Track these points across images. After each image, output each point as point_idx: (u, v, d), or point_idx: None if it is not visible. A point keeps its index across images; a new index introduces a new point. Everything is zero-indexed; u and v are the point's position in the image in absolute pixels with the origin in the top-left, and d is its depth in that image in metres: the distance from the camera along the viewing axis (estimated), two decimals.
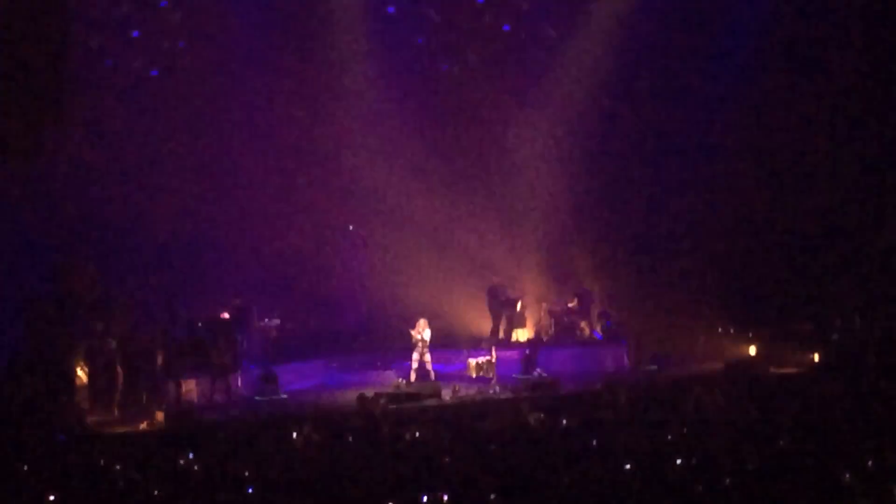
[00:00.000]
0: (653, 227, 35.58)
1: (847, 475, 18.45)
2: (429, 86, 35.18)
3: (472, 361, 30.56)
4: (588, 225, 35.53)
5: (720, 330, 34.32)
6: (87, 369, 28.19)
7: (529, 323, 34.42)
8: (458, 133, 35.58)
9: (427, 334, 30.43)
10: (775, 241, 35.12)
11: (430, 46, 34.68)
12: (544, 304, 34.39)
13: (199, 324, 30.06)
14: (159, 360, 28.38)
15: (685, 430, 22.82)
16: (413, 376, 30.22)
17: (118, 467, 21.76)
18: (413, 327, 30.47)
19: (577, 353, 33.00)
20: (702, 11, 34.66)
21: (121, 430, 26.20)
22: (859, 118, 34.27)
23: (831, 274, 34.40)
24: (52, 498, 18.95)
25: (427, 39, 34.53)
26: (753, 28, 34.56)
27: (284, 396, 29.38)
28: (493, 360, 30.24)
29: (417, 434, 23.67)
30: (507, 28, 34.60)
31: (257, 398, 29.23)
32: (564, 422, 24.49)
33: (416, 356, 30.39)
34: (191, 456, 22.71)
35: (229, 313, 30.67)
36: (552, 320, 33.99)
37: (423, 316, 30.89)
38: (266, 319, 31.85)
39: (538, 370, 31.17)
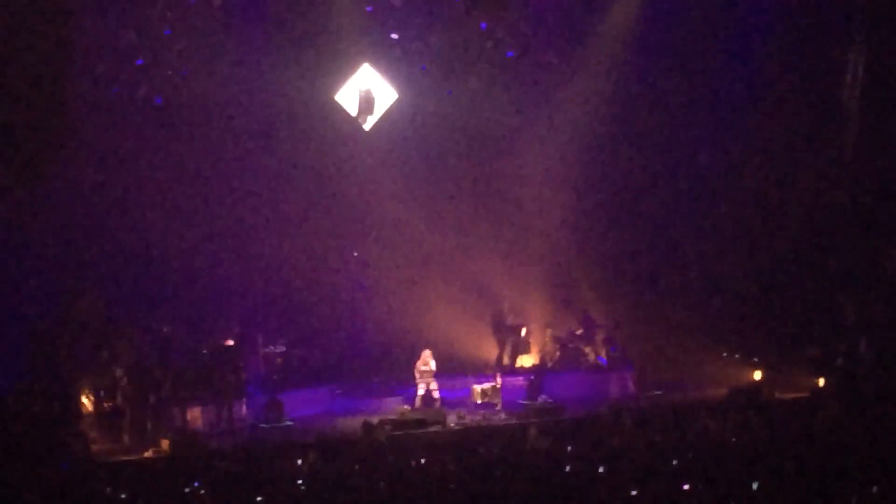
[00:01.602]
0: (658, 253, 35.57)
1: (853, 500, 18.45)
2: (432, 111, 35.16)
3: (478, 388, 30.54)
4: (593, 251, 35.52)
5: (725, 355, 34.29)
6: (92, 397, 28.21)
7: (534, 349, 34.37)
8: (461, 159, 35.57)
9: (432, 364, 30.50)
10: (780, 266, 35.08)
11: (434, 72, 34.69)
12: (549, 331, 34.36)
13: (204, 351, 30.05)
14: (165, 387, 28.33)
15: (691, 455, 22.80)
16: (418, 402, 30.23)
17: (123, 496, 21.79)
18: (418, 358, 30.59)
19: (583, 379, 32.99)
20: (706, 35, 34.67)
21: (126, 458, 26.21)
22: (871, 136, 34.27)
23: (836, 298, 34.37)
24: None
25: (430, 65, 34.55)
26: (759, 51, 34.61)
27: (289, 423, 29.38)
28: (499, 387, 30.26)
29: (423, 461, 23.66)
30: (510, 54, 34.62)
31: (262, 425, 29.23)
32: (570, 448, 24.48)
33: (422, 385, 30.42)
34: (196, 484, 22.72)
35: (233, 340, 30.67)
36: (557, 346, 33.96)
37: (427, 345, 31.00)
38: (271, 346, 31.83)
39: (543, 396, 31.13)
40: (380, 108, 34.01)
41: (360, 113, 33.80)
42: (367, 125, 34.01)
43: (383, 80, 33.95)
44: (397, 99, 34.15)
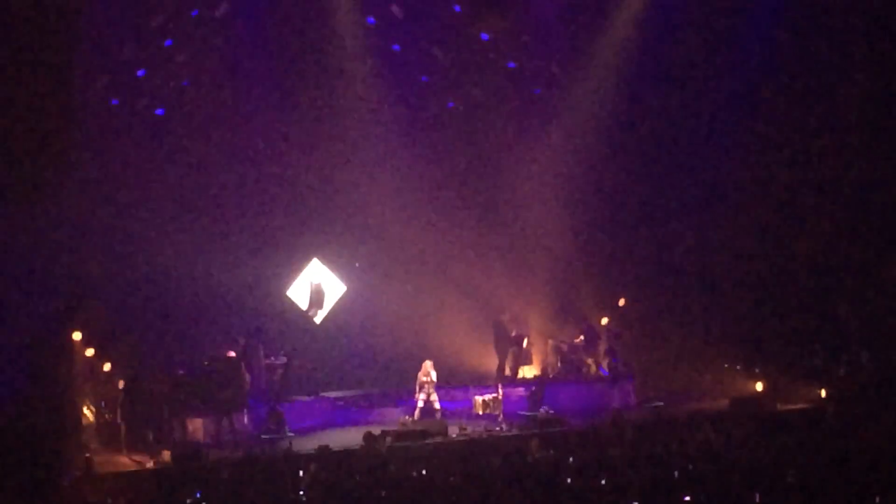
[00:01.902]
0: (659, 263, 35.55)
1: None
2: (433, 123, 35.19)
3: (479, 399, 30.53)
4: (594, 261, 35.51)
5: (727, 366, 34.29)
6: (93, 409, 28.21)
7: (536, 360, 34.38)
8: (463, 170, 35.59)
9: (433, 375, 30.51)
10: (782, 276, 35.07)
11: (435, 84, 34.75)
12: (550, 341, 34.36)
13: (206, 362, 30.05)
14: (166, 399, 28.33)
15: (692, 466, 22.78)
16: (418, 414, 30.22)
17: None
18: (419, 369, 30.61)
19: (584, 390, 32.97)
20: (707, 44, 34.68)
21: (128, 469, 26.21)
22: (873, 143, 34.28)
23: (838, 308, 34.39)
24: None
25: (432, 77, 34.61)
26: (760, 58, 34.64)
27: (291, 435, 29.35)
28: (500, 398, 30.24)
29: (424, 472, 23.65)
30: (511, 65, 34.69)
31: (263, 436, 29.21)
32: (571, 459, 24.46)
33: (422, 396, 30.43)
34: (198, 495, 22.73)
35: (235, 352, 30.67)
36: (558, 357, 33.96)
37: (429, 356, 31.01)
38: (272, 357, 31.81)
39: (544, 407, 31.13)
40: (329, 302, 34.52)
41: (310, 306, 34.26)
42: (318, 318, 34.56)
43: (332, 274, 34.42)
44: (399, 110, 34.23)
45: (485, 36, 33.91)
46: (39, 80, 27.52)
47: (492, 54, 34.43)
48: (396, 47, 33.83)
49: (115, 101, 31.11)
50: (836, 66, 34.16)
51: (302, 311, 34.14)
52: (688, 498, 19.75)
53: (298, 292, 34.32)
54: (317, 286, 34.28)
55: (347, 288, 34.63)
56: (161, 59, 31.45)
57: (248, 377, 30.43)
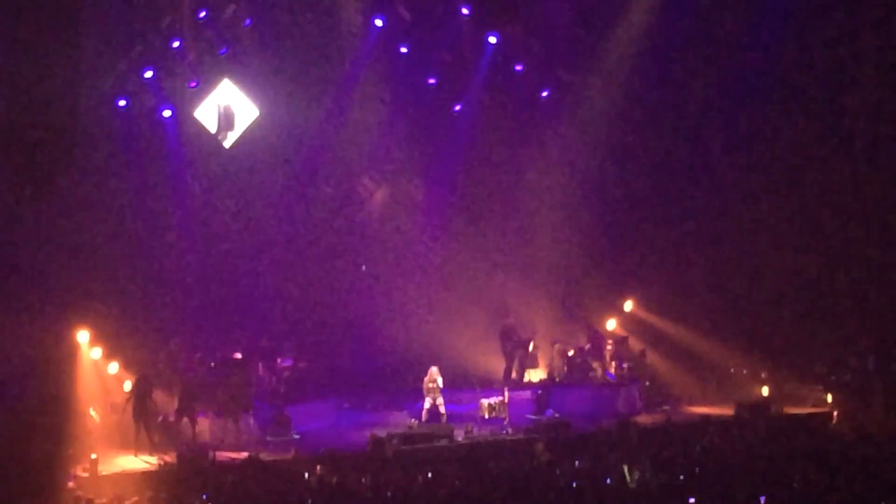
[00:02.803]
0: (666, 267, 35.52)
1: None
2: (440, 125, 35.19)
3: (485, 402, 30.49)
4: (601, 265, 35.48)
5: (733, 370, 34.26)
6: (100, 411, 28.23)
7: (542, 363, 34.31)
8: (469, 173, 35.56)
9: (440, 381, 30.54)
10: (788, 281, 35.04)
11: (443, 87, 34.75)
12: (557, 345, 34.27)
13: (212, 364, 30.07)
14: (173, 400, 28.35)
15: (697, 469, 22.80)
16: (424, 417, 30.22)
17: None
18: (426, 374, 30.65)
19: (590, 394, 32.89)
20: (716, 48, 34.70)
21: (134, 470, 26.23)
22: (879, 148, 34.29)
23: (845, 314, 34.38)
24: None
25: (439, 80, 34.62)
26: (767, 59, 34.66)
27: (297, 437, 29.36)
28: (506, 401, 30.20)
29: (430, 475, 23.66)
30: (520, 69, 34.72)
31: (269, 438, 29.21)
32: (577, 462, 24.47)
33: (429, 399, 30.43)
34: (204, 496, 22.76)
35: (241, 354, 30.69)
36: (564, 361, 33.90)
37: (435, 360, 31.04)
38: (278, 359, 31.81)
39: (550, 411, 31.13)
40: (240, 125, 33.30)
41: (219, 130, 33.35)
42: (227, 142, 33.36)
43: (244, 95, 33.36)
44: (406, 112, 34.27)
45: (493, 38, 33.89)
46: (45, 80, 27.61)
47: (500, 57, 34.43)
48: (404, 49, 33.83)
49: (119, 101, 31.06)
50: (829, 67, 34.22)
51: (311, 313, 33.95)
52: (693, 500, 19.76)
53: (206, 114, 32.99)
54: (226, 107, 33.27)
55: (261, 112, 33.30)
56: (168, 59, 31.43)
57: (254, 379, 30.46)
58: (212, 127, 32.85)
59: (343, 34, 33.45)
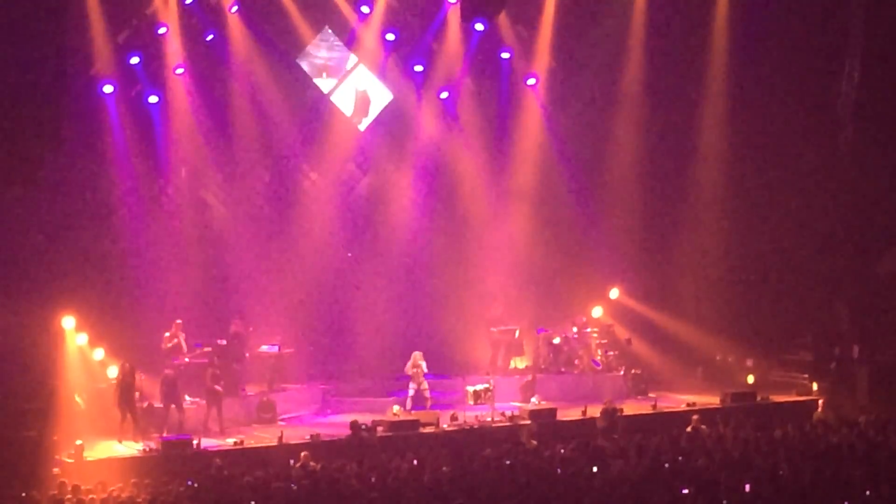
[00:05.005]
0: (652, 255, 35.54)
1: None
2: (427, 112, 35.12)
3: (471, 389, 30.47)
4: (586, 252, 35.45)
5: (719, 358, 34.31)
6: (85, 396, 28.16)
7: (528, 351, 34.32)
8: (456, 159, 35.48)
9: (423, 366, 30.57)
10: (774, 270, 35.10)
11: (429, 73, 34.71)
12: (543, 333, 34.27)
13: (196, 349, 29.99)
14: (161, 386, 28.28)
15: (682, 458, 22.82)
16: (409, 403, 30.24)
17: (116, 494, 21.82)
18: (408, 360, 30.68)
19: (576, 382, 32.96)
20: (700, 38, 34.74)
21: (119, 456, 26.20)
22: (866, 139, 34.32)
23: (830, 303, 34.45)
24: None
25: (426, 67, 34.57)
26: (754, 57, 34.67)
27: (282, 423, 29.34)
28: (492, 388, 30.18)
29: (416, 462, 23.65)
30: (508, 54, 34.71)
31: (255, 425, 29.20)
32: (562, 450, 24.48)
33: (413, 385, 30.45)
34: (189, 483, 22.73)
35: (227, 339, 30.63)
36: (550, 348, 33.90)
37: (420, 347, 31.10)
38: (264, 346, 31.77)
39: (536, 398, 31.15)
40: (375, 109, 34.04)
41: (355, 113, 33.88)
42: (363, 126, 34.08)
43: (378, 80, 33.99)
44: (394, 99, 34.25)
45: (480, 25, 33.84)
46: (30, 66, 27.57)
47: (487, 44, 34.41)
48: (392, 34, 33.81)
49: (102, 86, 30.93)
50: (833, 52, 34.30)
51: (295, 298, 33.91)
52: (678, 489, 19.78)
53: (343, 97, 34.02)
54: (363, 93, 33.83)
55: (394, 97, 34.28)
56: (155, 45, 31.36)
57: (238, 365, 30.43)
58: (347, 110, 33.83)
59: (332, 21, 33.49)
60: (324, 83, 33.74)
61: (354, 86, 33.91)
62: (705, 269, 35.34)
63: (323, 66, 33.77)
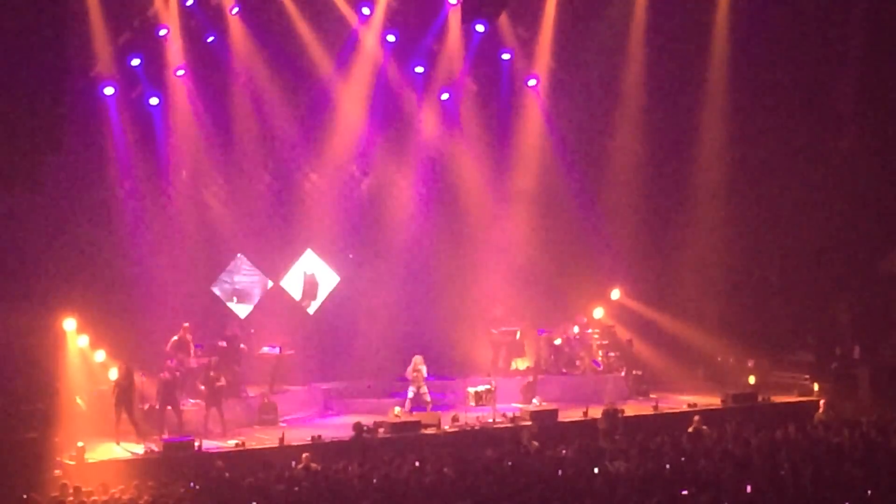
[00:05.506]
0: (653, 256, 35.52)
1: None
2: (428, 113, 35.11)
3: (472, 390, 30.45)
4: (588, 253, 35.44)
5: (720, 359, 34.31)
6: (86, 398, 28.17)
7: (529, 352, 34.32)
8: (457, 161, 35.48)
9: (423, 370, 30.60)
10: (775, 270, 35.09)
11: (430, 75, 34.70)
12: (544, 334, 34.27)
13: (197, 352, 30.00)
14: (158, 389, 28.27)
15: (684, 458, 22.82)
16: (408, 405, 30.24)
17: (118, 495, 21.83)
18: (409, 364, 30.72)
19: (577, 383, 32.96)
20: (700, 39, 34.74)
21: (120, 458, 26.20)
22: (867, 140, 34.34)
23: (831, 304, 34.44)
24: None
25: (427, 68, 34.56)
26: (755, 58, 34.67)
27: (283, 425, 29.35)
28: (493, 389, 30.18)
29: (417, 463, 23.66)
30: (508, 55, 34.71)
31: (256, 426, 29.21)
32: (564, 451, 24.49)
33: (412, 388, 30.46)
34: (191, 485, 22.74)
35: (228, 341, 30.64)
36: (551, 349, 33.90)
37: (422, 348, 31.17)
38: (265, 347, 31.78)
39: (537, 399, 31.15)
40: (322, 292, 34.30)
41: (304, 297, 34.17)
42: (311, 309, 34.28)
43: (325, 264, 34.23)
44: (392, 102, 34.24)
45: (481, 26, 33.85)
46: (31, 68, 27.57)
47: (487, 45, 34.40)
48: (392, 36, 33.80)
49: (103, 88, 30.93)
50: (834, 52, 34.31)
51: (295, 301, 34.00)
52: (678, 490, 19.78)
53: (292, 283, 34.20)
54: (310, 276, 34.18)
55: (341, 278, 34.44)
56: (156, 47, 31.35)
57: (238, 367, 30.44)
58: (296, 294, 34.04)
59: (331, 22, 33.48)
60: (236, 307, 33.47)
61: (303, 269, 34.22)
62: (706, 270, 35.28)
63: (233, 291, 33.64)
